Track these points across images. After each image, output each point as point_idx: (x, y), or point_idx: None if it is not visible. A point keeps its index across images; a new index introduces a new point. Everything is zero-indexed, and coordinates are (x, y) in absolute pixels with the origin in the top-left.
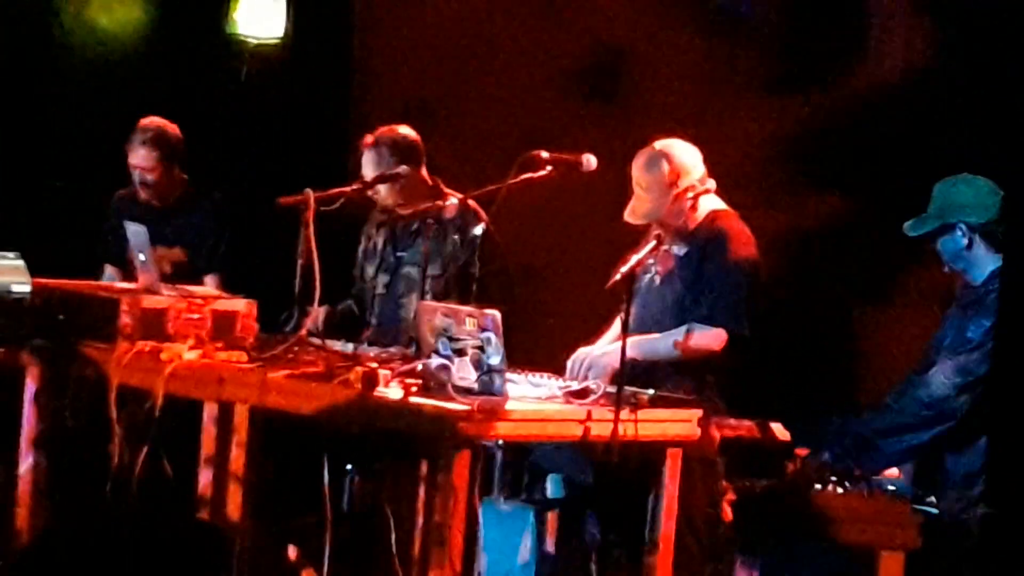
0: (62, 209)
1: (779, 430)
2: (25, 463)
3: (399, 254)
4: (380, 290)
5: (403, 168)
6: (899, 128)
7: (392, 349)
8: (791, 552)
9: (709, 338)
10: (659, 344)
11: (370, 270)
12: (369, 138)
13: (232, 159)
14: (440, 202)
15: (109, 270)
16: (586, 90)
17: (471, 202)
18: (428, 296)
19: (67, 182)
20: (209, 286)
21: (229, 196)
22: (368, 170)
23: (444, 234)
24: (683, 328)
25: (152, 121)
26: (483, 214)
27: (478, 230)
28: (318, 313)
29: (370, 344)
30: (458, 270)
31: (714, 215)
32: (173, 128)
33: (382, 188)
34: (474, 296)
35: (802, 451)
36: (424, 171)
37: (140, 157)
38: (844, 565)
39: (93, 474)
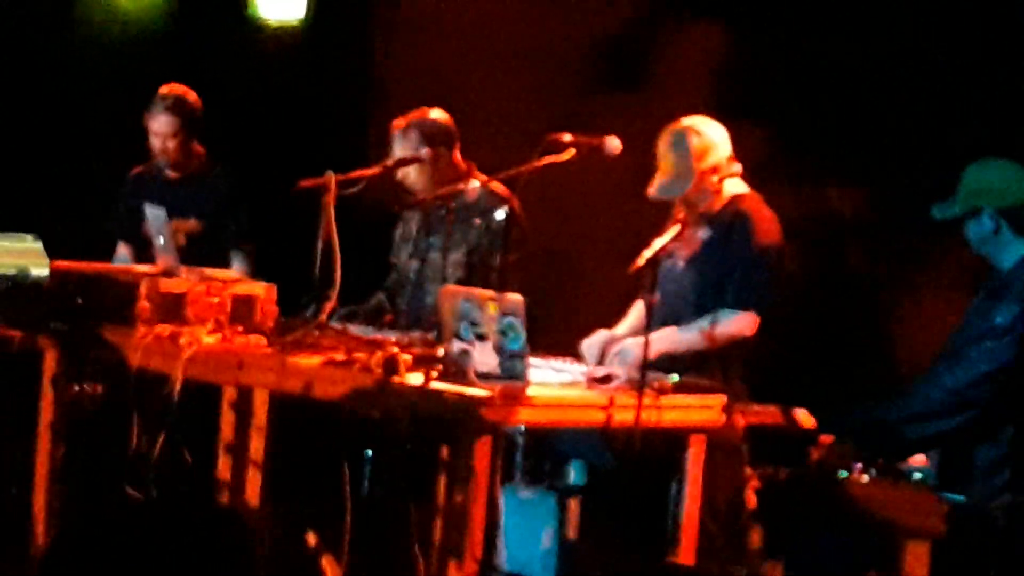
0: (80, 189)
1: (804, 417)
2: (43, 447)
3: (429, 239)
4: (412, 276)
5: (425, 151)
6: (930, 112)
7: (414, 334)
8: (816, 539)
9: (738, 323)
10: (686, 335)
11: (404, 256)
12: (401, 121)
13: (251, 141)
14: (462, 185)
15: (123, 249)
16: (611, 74)
17: (495, 185)
18: (450, 281)
19: (85, 162)
20: (238, 261)
21: (248, 177)
22: (397, 153)
23: (468, 218)
24: (709, 317)
25: (173, 88)
26: (508, 196)
27: (501, 214)
28: (343, 312)
29: (392, 329)
30: (481, 255)
31: (738, 198)
32: (193, 96)
33: (411, 172)
34: (496, 281)
35: (827, 438)
36: (457, 155)
37: (160, 123)
38: (869, 552)
39: (111, 459)
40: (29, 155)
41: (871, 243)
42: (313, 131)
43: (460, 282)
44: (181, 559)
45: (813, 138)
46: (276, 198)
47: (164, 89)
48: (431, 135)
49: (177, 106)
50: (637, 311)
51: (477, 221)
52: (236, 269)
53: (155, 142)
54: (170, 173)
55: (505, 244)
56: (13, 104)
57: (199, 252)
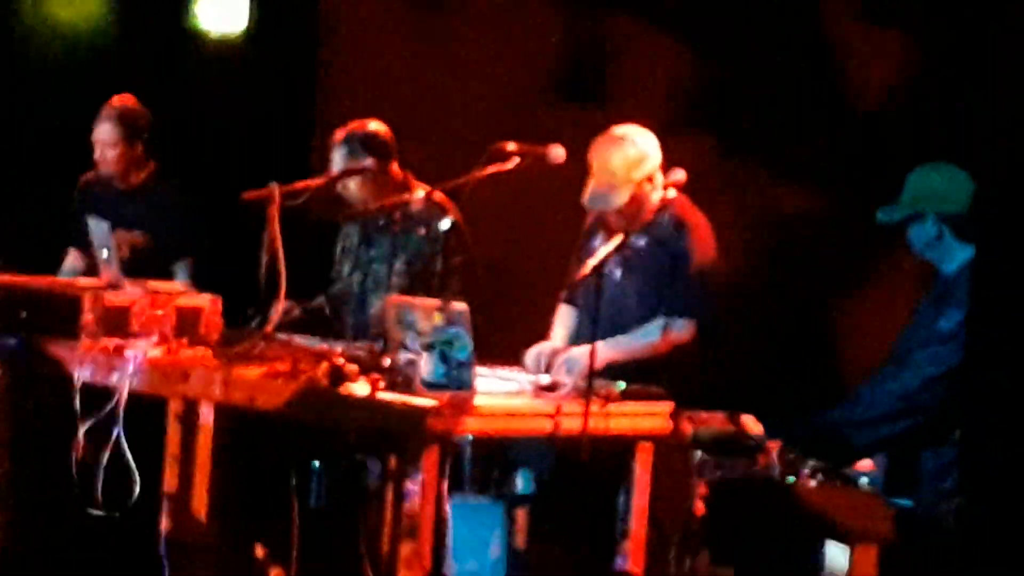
0: (27, 200)
1: (751, 423)
2: None
3: (371, 251)
4: (355, 288)
5: (368, 162)
6: (875, 117)
7: (359, 344)
8: (764, 545)
9: (680, 331)
10: (630, 343)
11: (346, 268)
12: (339, 133)
13: (195, 154)
14: (407, 196)
15: (72, 255)
16: (555, 88)
17: (438, 195)
18: (394, 291)
19: (33, 174)
20: (180, 272)
21: (192, 189)
22: (338, 165)
23: (411, 228)
24: (657, 324)
25: (120, 98)
26: (451, 207)
27: (445, 224)
28: (284, 307)
29: (338, 340)
30: (424, 264)
31: (670, 204)
32: (139, 108)
33: (352, 184)
34: (438, 290)
35: (774, 444)
36: (395, 166)
37: (103, 132)
38: (815, 558)
39: (58, 474)
40: None
41: (815, 247)
42: (256, 143)
43: (403, 292)
44: (130, 573)
45: (760, 142)
46: (220, 210)
47: (113, 99)
48: (372, 146)
49: (120, 116)
50: (565, 318)
51: (421, 231)
52: (179, 282)
53: (97, 151)
54: (116, 184)
55: (446, 253)
56: None
57: (143, 264)
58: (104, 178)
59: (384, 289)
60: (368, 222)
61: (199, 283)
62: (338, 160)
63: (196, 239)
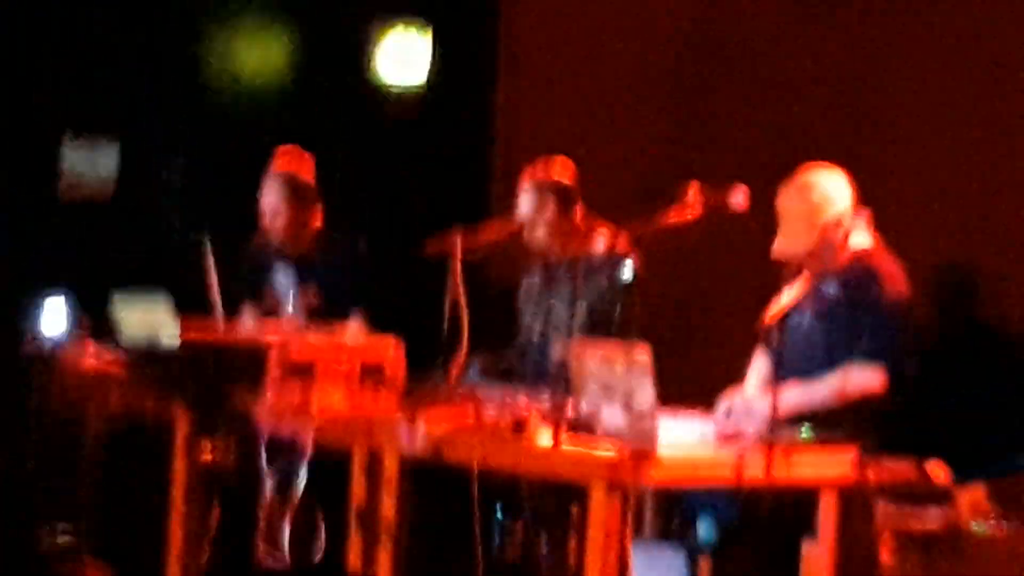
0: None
1: (936, 470)
2: (176, 513)
3: (551, 298)
4: (535, 335)
5: (552, 208)
6: None
7: (542, 392)
8: None
9: (868, 378)
10: (816, 391)
11: (527, 317)
12: (526, 178)
13: (375, 206)
14: (589, 244)
15: (249, 309)
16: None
17: (621, 243)
18: (575, 335)
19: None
20: (353, 325)
21: (371, 242)
22: (523, 210)
23: (593, 275)
24: (838, 373)
25: (285, 163)
26: (634, 254)
27: (627, 271)
28: (472, 359)
29: (520, 386)
30: (605, 309)
31: (865, 253)
32: (306, 170)
33: (539, 230)
34: (620, 337)
35: (963, 491)
36: (578, 211)
37: (270, 196)
38: None
39: (245, 525)
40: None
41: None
42: (435, 193)
43: (584, 337)
44: None
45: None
46: (402, 262)
47: (279, 162)
48: (558, 192)
49: (286, 181)
50: (761, 366)
51: (603, 281)
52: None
53: (266, 219)
54: (286, 248)
55: (628, 299)
56: (139, 168)
57: (316, 322)
58: (274, 242)
59: (565, 334)
60: (550, 269)
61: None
62: (523, 206)
63: (366, 291)
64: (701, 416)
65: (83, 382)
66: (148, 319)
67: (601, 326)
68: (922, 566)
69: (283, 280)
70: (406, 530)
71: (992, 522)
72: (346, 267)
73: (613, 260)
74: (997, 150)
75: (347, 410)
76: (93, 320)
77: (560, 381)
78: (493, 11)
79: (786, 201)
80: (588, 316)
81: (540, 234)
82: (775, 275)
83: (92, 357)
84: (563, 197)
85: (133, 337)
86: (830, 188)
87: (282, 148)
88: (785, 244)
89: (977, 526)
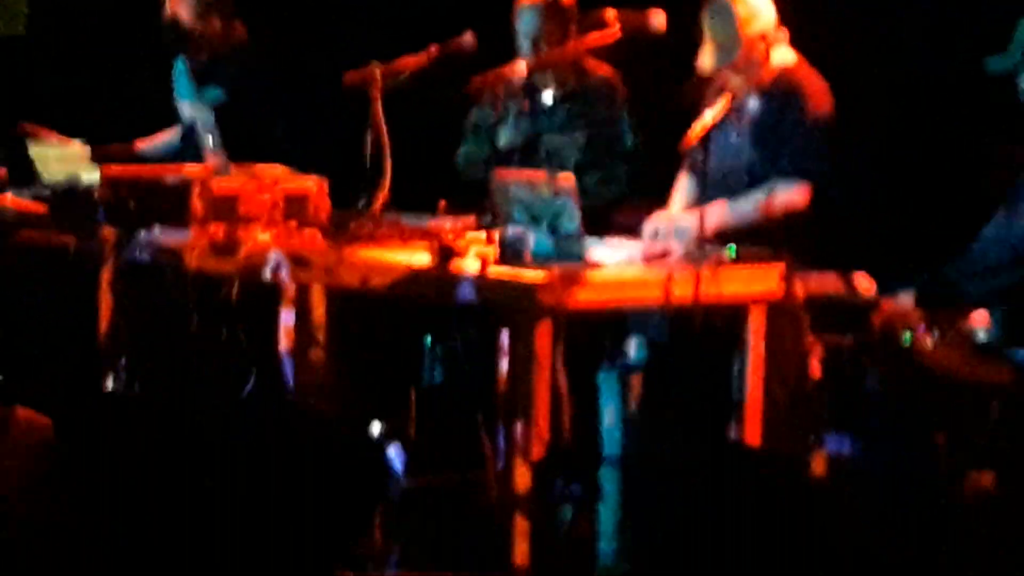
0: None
1: (863, 281)
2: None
3: (538, 130)
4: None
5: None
6: None
7: (467, 219)
8: (882, 406)
9: (793, 194)
10: (742, 207)
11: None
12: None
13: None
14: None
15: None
16: None
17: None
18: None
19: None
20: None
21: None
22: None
23: (591, 103)
24: (763, 189)
25: None
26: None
27: (547, 96)
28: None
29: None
30: (608, 140)
31: (789, 70)
32: None
33: (532, 54)
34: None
35: (888, 302)
36: (573, 34)
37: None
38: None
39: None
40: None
41: (928, 102)
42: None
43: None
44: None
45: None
46: (325, 94)
47: None
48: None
49: None
50: (684, 187)
51: (601, 107)
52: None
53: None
54: (199, 54)
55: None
56: None
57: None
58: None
59: (558, 167)
60: (535, 96)
61: (304, 166)
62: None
63: (279, 106)
64: (627, 240)
65: (4, 228)
66: (65, 160)
67: (602, 156)
68: (850, 377)
69: (203, 113)
70: (335, 359)
71: (919, 332)
72: (256, 71)
73: (608, 86)
74: None
75: (272, 244)
76: (9, 167)
77: (487, 208)
78: None
79: (710, 15)
80: (588, 146)
81: (532, 59)
82: (695, 96)
83: (11, 204)
84: (560, 18)
85: (53, 178)
86: (753, 2)
87: None
88: (709, 59)
89: (905, 336)
